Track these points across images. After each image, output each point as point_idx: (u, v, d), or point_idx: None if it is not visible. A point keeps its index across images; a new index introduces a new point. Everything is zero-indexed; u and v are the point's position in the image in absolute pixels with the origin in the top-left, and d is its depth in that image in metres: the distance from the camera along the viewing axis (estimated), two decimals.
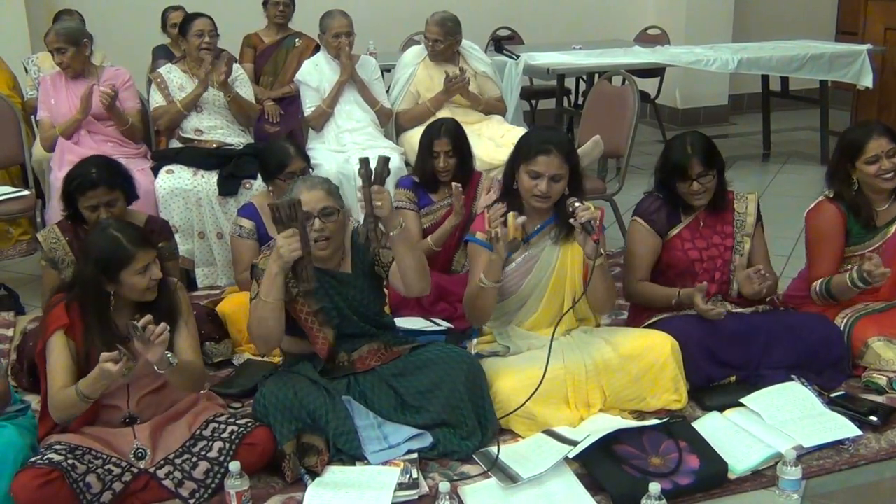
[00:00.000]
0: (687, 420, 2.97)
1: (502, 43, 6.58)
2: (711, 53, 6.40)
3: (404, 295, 3.07)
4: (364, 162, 2.81)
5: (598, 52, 6.56)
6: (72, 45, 4.47)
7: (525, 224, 3.01)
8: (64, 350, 2.70)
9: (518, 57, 6.09)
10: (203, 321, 3.48)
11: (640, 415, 3.05)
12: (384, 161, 2.83)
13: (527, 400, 2.90)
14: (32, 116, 5.04)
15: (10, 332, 3.94)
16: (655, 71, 6.97)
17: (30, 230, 5.08)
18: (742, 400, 3.04)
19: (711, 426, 2.93)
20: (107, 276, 2.68)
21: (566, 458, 2.74)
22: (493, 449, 2.83)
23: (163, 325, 2.59)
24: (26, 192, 4.61)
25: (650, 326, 3.26)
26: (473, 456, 2.84)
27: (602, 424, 2.90)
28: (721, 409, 3.05)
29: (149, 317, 2.57)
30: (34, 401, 3.03)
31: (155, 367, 2.62)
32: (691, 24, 7.93)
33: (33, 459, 2.57)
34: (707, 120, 8.10)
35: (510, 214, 2.97)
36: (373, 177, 2.80)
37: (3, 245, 5.19)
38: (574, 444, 2.77)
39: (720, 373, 3.18)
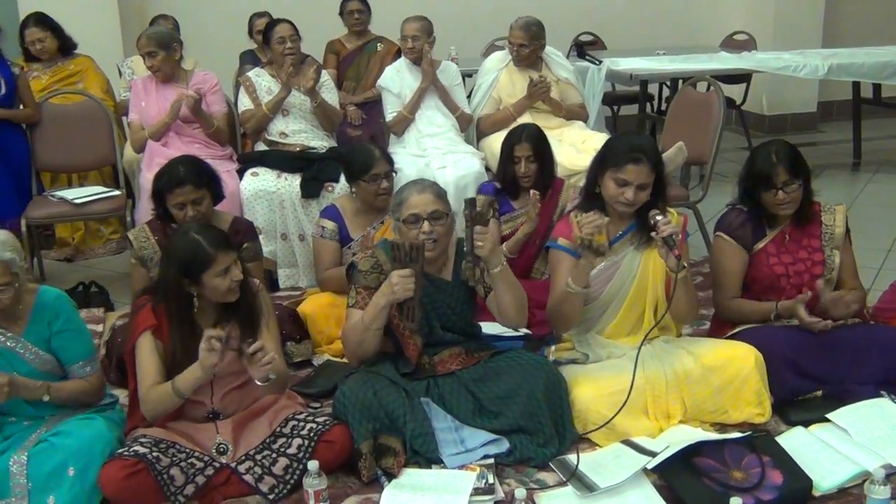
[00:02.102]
0: (770, 434, 2.90)
1: (585, 48, 6.54)
2: (800, 59, 6.25)
3: (499, 321, 3.08)
4: (470, 202, 2.83)
5: (683, 57, 6.46)
6: (162, 49, 4.58)
7: (607, 229, 2.97)
8: (152, 350, 2.77)
9: (601, 62, 6.05)
10: (284, 321, 3.53)
11: (721, 427, 3.00)
12: (490, 202, 2.88)
13: (614, 416, 2.88)
14: (124, 118, 5.19)
15: (99, 328, 4.05)
16: (741, 77, 6.83)
17: (120, 229, 5.23)
18: (828, 415, 2.96)
19: (796, 441, 2.86)
20: (189, 278, 2.74)
21: (645, 469, 2.70)
22: (571, 457, 2.81)
23: (272, 354, 2.65)
24: (117, 193, 4.75)
25: (733, 337, 3.19)
26: (550, 464, 2.82)
27: (682, 436, 2.85)
28: (806, 423, 2.97)
29: (260, 342, 2.63)
30: (122, 395, 3.12)
31: (256, 382, 2.70)
32: (779, 28, 7.76)
33: (120, 451, 2.64)
34: (794, 127, 7.91)
35: (601, 220, 2.92)
36: (477, 217, 2.81)
37: (94, 243, 5.35)
38: (653, 454, 2.73)
39: (806, 386, 3.10)
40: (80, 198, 4.61)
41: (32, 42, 5.23)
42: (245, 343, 2.63)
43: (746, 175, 3.26)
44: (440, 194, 2.99)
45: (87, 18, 6.03)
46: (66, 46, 5.34)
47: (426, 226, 2.91)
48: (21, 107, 4.80)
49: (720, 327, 3.36)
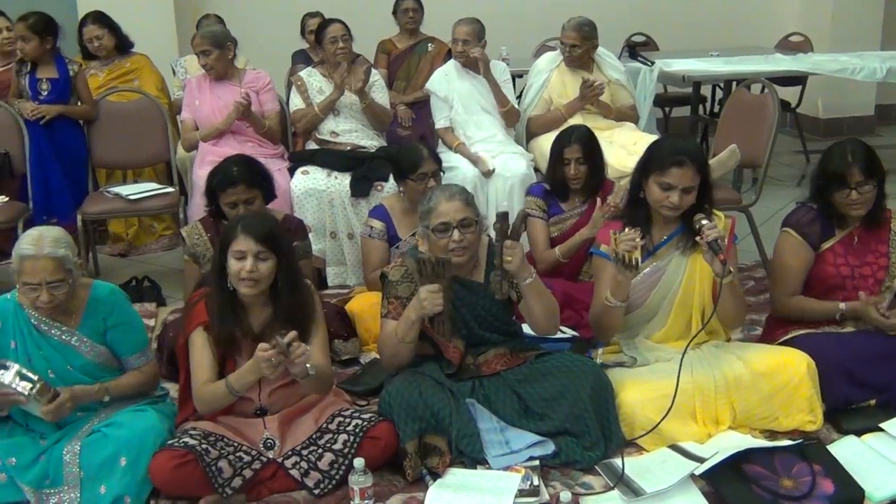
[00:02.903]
0: (822, 442, 2.86)
1: (637, 49, 6.48)
2: (858, 61, 6.13)
3: (530, 329, 3.07)
4: (501, 216, 2.83)
5: (737, 59, 6.38)
6: (216, 48, 4.64)
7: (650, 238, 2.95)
8: (205, 346, 2.80)
9: (653, 63, 5.99)
10: (332, 319, 3.55)
11: (771, 434, 2.96)
12: (522, 216, 2.85)
13: (660, 421, 2.85)
14: (178, 116, 5.27)
15: (151, 323, 4.12)
16: (797, 79, 6.72)
17: (172, 226, 5.31)
18: (882, 425, 2.91)
19: (848, 450, 2.81)
20: (222, 255, 2.77)
21: (693, 475, 2.68)
22: (617, 461, 2.79)
23: (304, 347, 2.65)
24: (171, 189, 4.82)
25: (785, 343, 3.15)
26: (596, 467, 2.81)
27: (731, 442, 2.82)
28: (859, 433, 2.92)
29: (293, 333, 2.63)
30: (172, 388, 3.17)
31: (296, 378, 2.71)
32: (836, 30, 7.62)
33: (170, 442, 2.69)
34: (851, 131, 7.76)
35: (636, 238, 2.88)
36: (509, 231, 2.81)
37: (147, 239, 5.44)
38: (701, 460, 2.71)
39: (859, 395, 3.04)
40: (135, 194, 4.69)
41: (90, 39, 5.33)
42: (279, 335, 2.63)
43: (819, 173, 3.19)
44: (469, 201, 2.99)
45: (143, 18, 6.13)
46: (122, 45, 5.43)
47: (456, 234, 2.91)
48: (79, 104, 4.89)
49: (772, 332, 3.31)
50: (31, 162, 4.70)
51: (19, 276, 2.68)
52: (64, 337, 2.79)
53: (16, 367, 2.62)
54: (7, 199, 4.54)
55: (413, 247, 3.15)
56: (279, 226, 3.51)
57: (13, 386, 2.59)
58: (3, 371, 2.61)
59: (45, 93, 4.77)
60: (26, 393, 2.59)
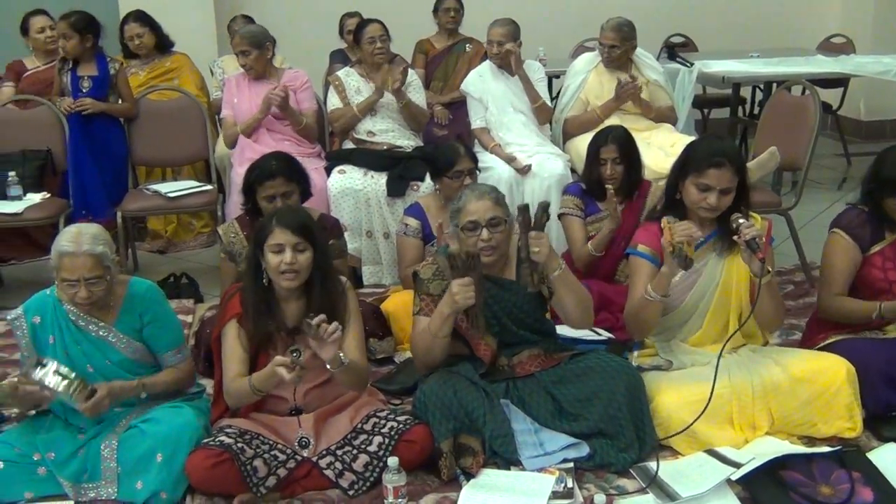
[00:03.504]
0: (861, 450, 2.82)
1: (675, 50, 6.43)
2: None
3: (565, 324, 3.06)
4: (523, 209, 2.82)
5: (777, 60, 6.30)
6: (255, 47, 4.67)
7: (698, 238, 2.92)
8: (237, 339, 2.82)
9: (692, 64, 5.94)
10: (367, 318, 3.56)
11: (809, 441, 2.92)
12: (544, 207, 2.84)
13: (693, 422, 2.82)
14: (217, 116, 5.32)
15: (189, 319, 4.16)
16: (838, 81, 6.63)
17: (210, 223, 5.35)
18: None
19: (888, 458, 2.76)
20: (258, 248, 2.79)
21: (729, 480, 2.65)
22: (652, 464, 2.77)
23: (335, 323, 2.65)
24: (209, 187, 4.86)
25: (825, 348, 3.10)
26: (631, 470, 2.79)
27: (768, 448, 2.79)
28: None
29: (322, 315, 2.64)
30: (209, 384, 3.19)
31: (327, 366, 2.70)
32: (879, 31, 7.50)
33: (206, 440, 2.71)
34: (894, 134, 7.64)
35: (691, 229, 2.86)
36: (532, 222, 2.80)
37: (185, 236, 5.49)
38: (738, 465, 2.68)
39: None
40: (174, 192, 4.74)
41: (131, 38, 5.39)
42: (305, 322, 2.63)
43: (872, 177, 3.13)
44: (499, 200, 2.98)
45: (183, 17, 6.20)
46: (163, 44, 5.50)
47: (485, 233, 2.91)
48: (119, 102, 4.95)
49: (812, 337, 3.26)
50: (71, 159, 4.77)
51: (58, 272, 2.72)
52: (101, 333, 2.83)
53: (54, 364, 2.65)
54: (48, 195, 4.61)
55: (444, 245, 3.14)
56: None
57: (50, 384, 2.62)
58: (41, 368, 2.64)
59: (86, 90, 4.83)
60: (61, 390, 2.61)
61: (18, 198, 4.50)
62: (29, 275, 4.85)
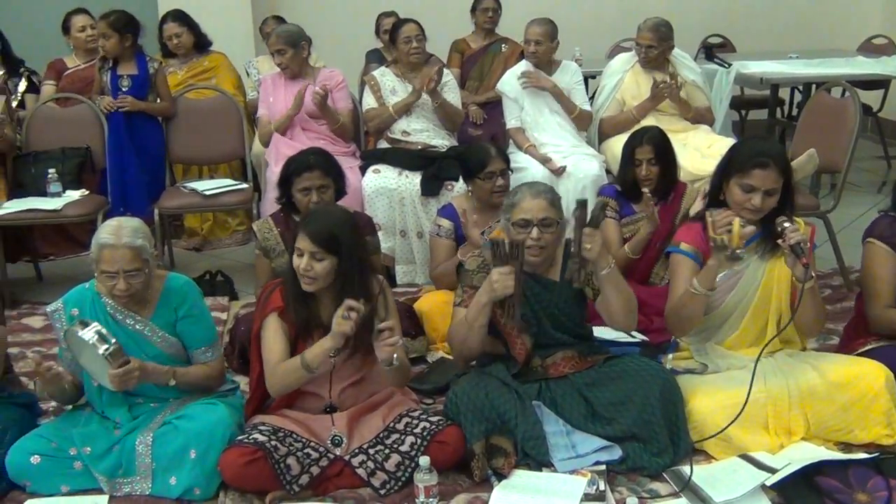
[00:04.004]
0: None
1: (713, 50, 6.38)
2: None
3: (608, 325, 3.04)
4: (581, 203, 2.81)
5: (817, 61, 6.23)
6: (291, 46, 4.70)
7: (751, 233, 2.87)
8: (279, 330, 2.84)
9: (729, 65, 5.88)
10: (401, 317, 3.57)
11: (846, 447, 2.88)
12: (602, 205, 2.84)
13: (728, 425, 2.80)
14: (253, 115, 5.35)
15: (223, 316, 4.19)
16: (879, 82, 6.54)
17: (246, 221, 5.39)
18: None
19: None
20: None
21: (763, 486, 2.63)
22: (685, 468, 2.75)
23: (397, 336, 2.68)
24: (245, 186, 4.90)
25: (864, 354, 3.05)
26: (664, 474, 2.77)
27: (804, 454, 2.76)
28: None
29: (390, 322, 2.67)
30: (242, 382, 3.21)
31: (380, 362, 2.73)
32: None
33: (240, 438, 2.73)
34: None
35: (736, 220, 2.83)
36: (588, 219, 2.79)
37: (221, 234, 5.54)
38: (773, 471, 2.65)
39: None
40: (210, 189, 4.78)
41: (170, 37, 5.45)
42: (376, 318, 2.66)
43: None
44: (554, 202, 2.97)
45: (221, 17, 6.25)
46: (201, 43, 5.55)
47: (535, 232, 2.90)
48: (158, 101, 5.00)
49: (850, 343, 3.21)
50: (110, 157, 4.82)
51: (98, 264, 2.76)
52: (137, 326, 2.86)
53: (96, 326, 2.68)
54: (87, 192, 4.67)
55: (490, 239, 3.14)
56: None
57: (90, 341, 2.64)
58: (83, 328, 2.66)
59: (126, 89, 4.88)
60: (100, 351, 2.63)
61: (58, 194, 4.56)
62: (67, 271, 4.92)
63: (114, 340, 2.67)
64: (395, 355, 2.68)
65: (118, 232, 2.74)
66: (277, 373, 2.79)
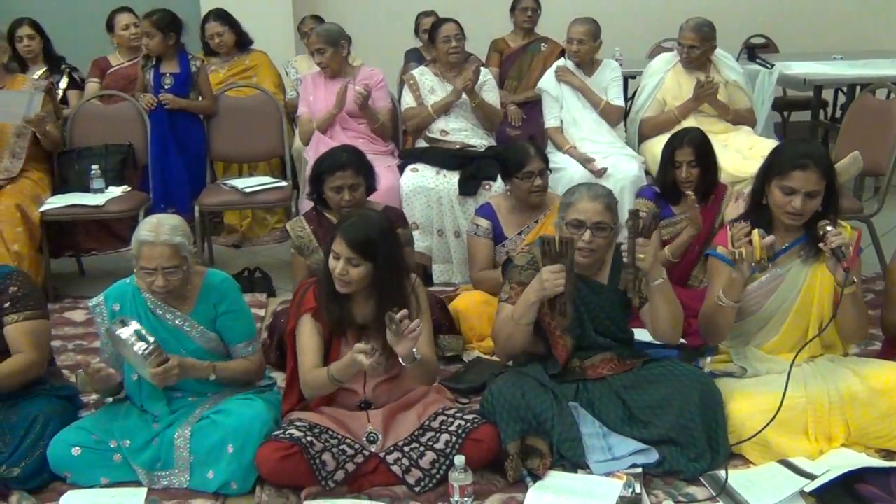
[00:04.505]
0: None
1: (756, 51, 6.31)
2: None
3: (651, 335, 3.02)
4: (634, 214, 2.80)
5: (862, 62, 6.14)
6: (330, 45, 4.72)
7: (773, 243, 2.85)
8: (312, 332, 2.86)
9: (772, 66, 5.82)
10: (432, 308, 3.58)
11: (887, 454, 2.84)
12: (654, 214, 2.83)
13: (763, 428, 2.76)
14: (292, 115, 5.39)
15: (262, 313, 4.22)
16: None
17: (284, 219, 5.40)
18: None
19: None
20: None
21: (802, 492, 2.60)
22: (722, 472, 2.72)
23: (417, 321, 2.68)
24: (284, 183, 4.93)
25: None
26: (700, 478, 2.74)
27: (844, 460, 2.72)
28: None
29: (405, 311, 2.67)
30: (280, 378, 3.24)
31: (400, 360, 2.73)
32: None
33: (276, 433, 2.75)
34: None
35: (755, 232, 2.82)
36: (640, 229, 2.78)
37: (260, 231, 5.58)
38: (812, 477, 2.62)
39: None
40: (250, 187, 4.81)
41: (211, 36, 5.50)
42: (389, 315, 2.66)
43: None
44: (611, 206, 2.94)
45: (262, 16, 6.30)
46: (242, 42, 5.60)
47: (587, 235, 2.88)
48: (199, 99, 5.05)
49: (893, 348, 3.17)
50: (152, 154, 4.88)
51: (137, 260, 2.80)
52: (177, 322, 2.89)
53: (135, 325, 2.72)
54: (129, 188, 4.72)
55: (543, 235, 3.13)
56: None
57: (129, 341, 2.67)
58: (122, 327, 2.70)
59: (168, 87, 4.94)
60: (138, 350, 2.67)
61: (101, 190, 4.62)
62: (109, 266, 4.99)
63: (152, 339, 2.70)
64: (414, 350, 2.69)
65: (157, 229, 2.78)
66: (309, 379, 2.82)
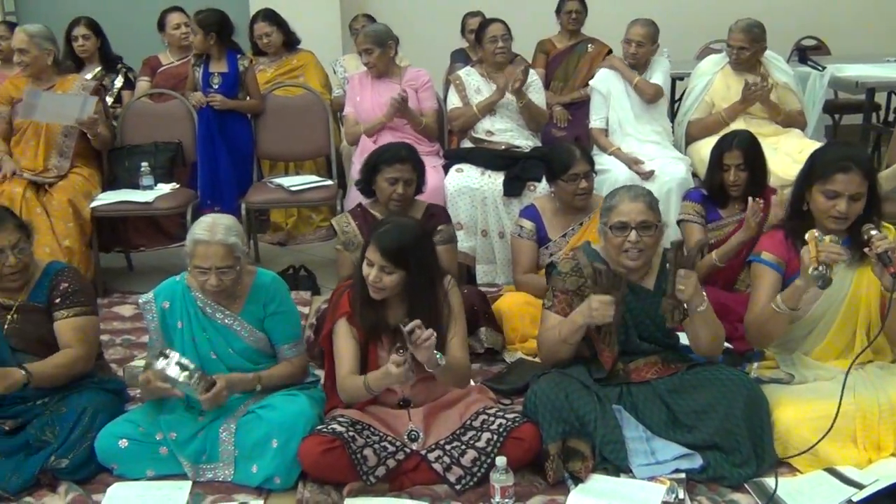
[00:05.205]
0: None
1: (807, 53, 6.22)
2: None
3: (692, 350, 3.01)
4: (676, 244, 2.79)
5: None
6: (377, 46, 4.74)
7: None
8: (347, 336, 2.88)
9: (824, 68, 5.74)
10: (474, 299, 3.65)
11: None
12: (700, 246, 2.79)
13: (818, 441, 2.72)
14: (339, 113, 5.42)
15: (306, 311, 4.25)
16: None
17: (329, 217, 5.45)
18: None
19: None
20: (363, 257, 2.84)
21: (849, 501, 2.55)
22: (769, 480, 2.69)
23: (429, 331, 2.67)
24: (330, 182, 4.96)
25: None
26: (746, 485, 2.71)
27: (894, 470, 2.67)
28: None
29: (416, 322, 2.67)
30: (323, 376, 3.25)
31: (425, 366, 2.74)
32: None
33: (319, 427, 2.77)
34: None
35: (819, 236, 2.75)
36: (683, 261, 2.76)
37: (305, 229, 5.62)
38: (860, 486, 2.58)
39: None
40: (296, 185, 4.86)
41: (260, 36, 5.55)
42: (402, 322, 2.66)
43: None
44: (652, 205, 2.93)
45: (310, 15, 6.35)
46: (290, 42, 5.64)
47: (633, 235, 2.86)
48: (247, 98, 5.11)
49: None
50: (200, 152, 4.94)
51: (191, 258, 2.85)
52: (227, 321, 2.93)
53: (176, 356, 2.76)
54: (177, 186, 4.79)
55: (587, 242, 3.12)
56: (423, 213, 3.65)
57: (171, 374, 2.72)
58: (164, 361, 2.75)
59: (216, 86, 5.00)
60: (182, 380, 2.72)
61: (150, 187, 4.68)
62: (157, 262, 5.06)
63: (194, 367, 2.76)
64: (438, 355, 2.69)
65: (212, 229, 2.82)
66: (346, 386, 2.84)
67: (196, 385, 2.74)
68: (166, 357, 2.76)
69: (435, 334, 2.69)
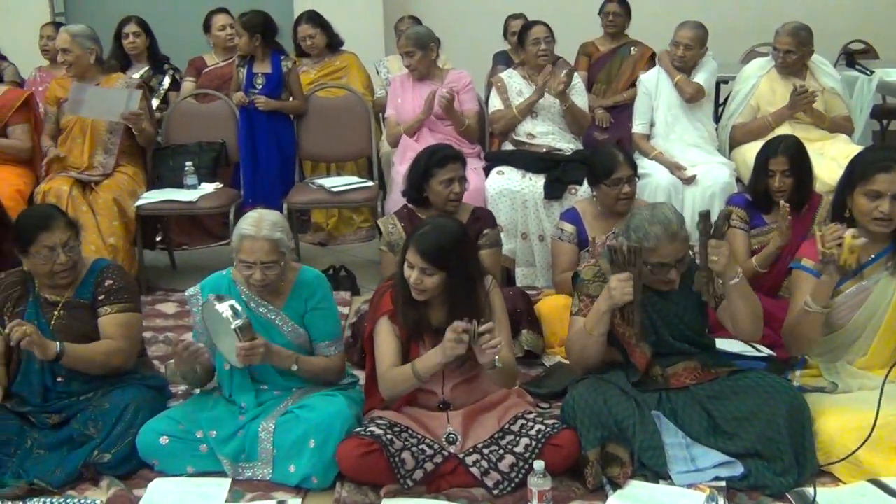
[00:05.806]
0: None
1: (854, 57, 6.13)
2: None
3: (732, 333, 2.97)
4: (704, 216, 2.76)
5: None
6: (419, 48, 4.75)
7: (863, 244, 2.76)
8: (390, 334, 2.88)
9: (872, 72, 5.65)
10: (517, 302, 3.66)
11: None
12: (726, 215, 2.79)
13: (857, 448, 2.68)
14: (380, 114, 5.44)
15: (345, 311, 4.27)
16: None
17: (370, 218, 5.48)
18: None
19: None
20: (403, 258, 2.85)
21: None
22: (809, 489, 2.65)
23: (498, 339, 2.67)
24: (371, 184, 4.98)
25: None
26: (787, 494, 2.67)
27: None
28: None
29: (490, 324, 2.68)
30: (362, 376, 3.27)
31: (483, 367, 2.75)
32: None
33: (357, 430, 2.78)
34: None
35: (847, 234, 2.74)
36: (712, 230, 2.74)
37: (345, 230, 5.65)
38: None
39: None
40: (337, 186, 4.88)
41: (303, 38, 5.59)
42: (472, 328, 2.66)
43: None
44: (686, 237, 2.86)
45: (353, 17, 6.39)
46: (333, 43, 5.67)
47: (672, 273, 2.85)
48: (290, 99, 5.14)
49: None
50: (243, 152, 4.99)
51: (237, 253, 2.89)
52: (269, 315, 2.97)
53: (231, 300, 2.80)
54: (220, 185, 4.84)
55: (609, 248, 3.10)
56: (469, 216, 3.67)
57: (224, 314, 2.75)
58: (219, 302, 2.78)
59: (259, 87, 5.04)
60: (226, 317, 2.74)
61: (194, 187, 4.73)
62: (200, 261, 5.12)
63: (245, 317, 2.78)
64: (496, 357, 2.68)
65: (259, 224, 2.86)
66: (389, 378, 2.83)
67: (239, 332, 2.75)
68: (222, 300, 2.79)
69: (500, 341, 2.69)
